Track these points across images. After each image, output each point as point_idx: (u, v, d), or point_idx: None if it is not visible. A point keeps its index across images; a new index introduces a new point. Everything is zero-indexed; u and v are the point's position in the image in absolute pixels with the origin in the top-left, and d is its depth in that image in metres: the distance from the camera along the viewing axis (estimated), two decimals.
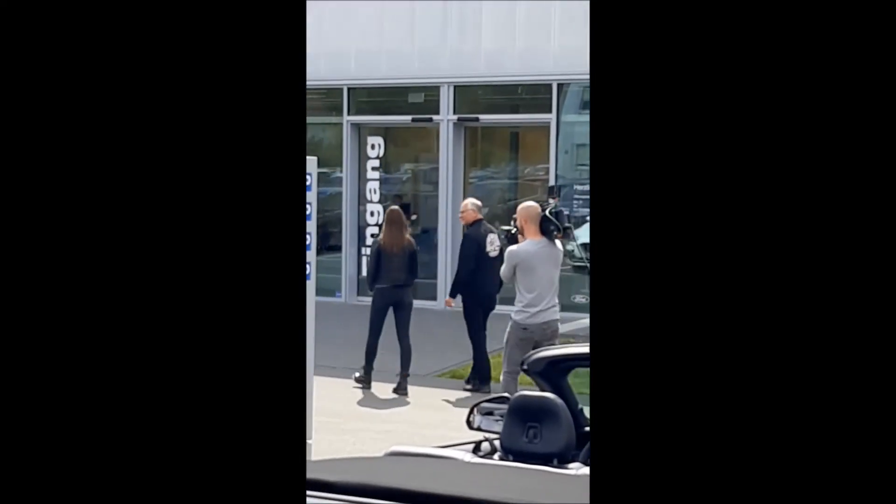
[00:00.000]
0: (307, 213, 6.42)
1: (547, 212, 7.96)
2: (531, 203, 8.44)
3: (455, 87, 13.83)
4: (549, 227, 7.90)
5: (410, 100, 14.29)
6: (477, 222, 9.93)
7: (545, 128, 13.47)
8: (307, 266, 6.53)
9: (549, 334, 7.98)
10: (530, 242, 8.02)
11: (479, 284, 9.71)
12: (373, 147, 14.52)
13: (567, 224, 8.05)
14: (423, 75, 13.89)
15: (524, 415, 4.20)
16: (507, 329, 8.08)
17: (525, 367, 4.85)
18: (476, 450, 4.39)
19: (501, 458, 4.22)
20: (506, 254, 8.33)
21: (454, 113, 13.86)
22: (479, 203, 10.33)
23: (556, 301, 8.17)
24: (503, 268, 8.24)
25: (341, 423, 8.40)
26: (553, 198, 9.99)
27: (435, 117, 13.94)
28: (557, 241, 8.10)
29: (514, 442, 4.19)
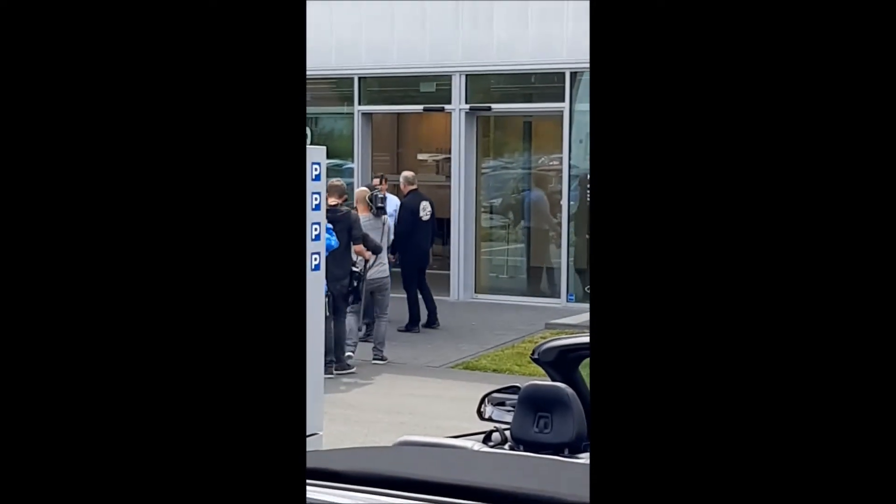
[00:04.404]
0: (317, 203, 6.39)
1: (367, 197, 10.68)
2: (362, 188, 11.39)
3: (467, 76, 13.78)
4: (370, 206, 10.59)
5: (422, 89, 14.25)
6: (412, 192, 11.91)
7: (558, 117, 13.41)
8: (316, 257, 6.49)
9: (380, 286, 10.46)
10: (359, 216, 10.49)
11: (415, 243, 11.74)
12: None
13: (380, 204, 10.67)
14: (435, 64, 13.84)
15: (535, 404, 4.16)
16: None
17: (536, 356, 4.81)
18: (487, 440, 4.35)
19: (512, 448, 4.18)
20: None
21: (466, 102, 13.81)
22: (409, 175, 12.22)
23: (385, 261, 10.57)
24: None
25: (354, 414, 8.39)
26: (380, 184, 12.10)
27: (447, 107, 13.89)
28: (385, 217, 10.73)
29: (524, 432, 4.15)
